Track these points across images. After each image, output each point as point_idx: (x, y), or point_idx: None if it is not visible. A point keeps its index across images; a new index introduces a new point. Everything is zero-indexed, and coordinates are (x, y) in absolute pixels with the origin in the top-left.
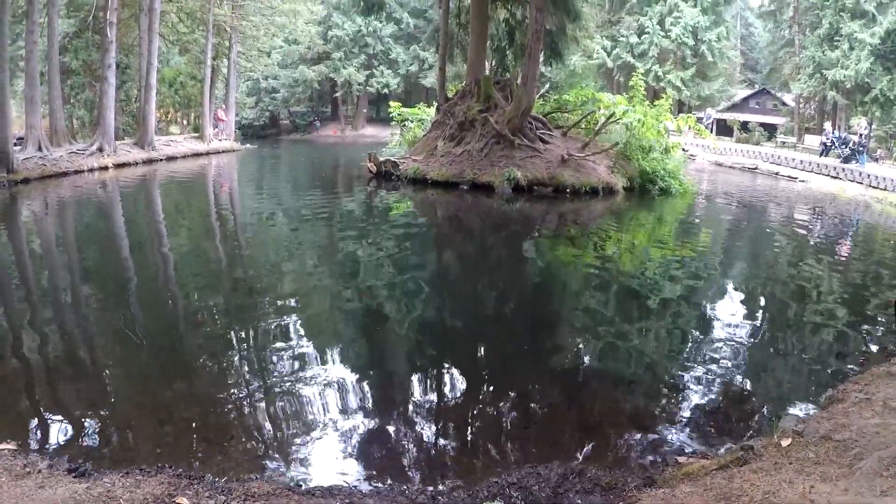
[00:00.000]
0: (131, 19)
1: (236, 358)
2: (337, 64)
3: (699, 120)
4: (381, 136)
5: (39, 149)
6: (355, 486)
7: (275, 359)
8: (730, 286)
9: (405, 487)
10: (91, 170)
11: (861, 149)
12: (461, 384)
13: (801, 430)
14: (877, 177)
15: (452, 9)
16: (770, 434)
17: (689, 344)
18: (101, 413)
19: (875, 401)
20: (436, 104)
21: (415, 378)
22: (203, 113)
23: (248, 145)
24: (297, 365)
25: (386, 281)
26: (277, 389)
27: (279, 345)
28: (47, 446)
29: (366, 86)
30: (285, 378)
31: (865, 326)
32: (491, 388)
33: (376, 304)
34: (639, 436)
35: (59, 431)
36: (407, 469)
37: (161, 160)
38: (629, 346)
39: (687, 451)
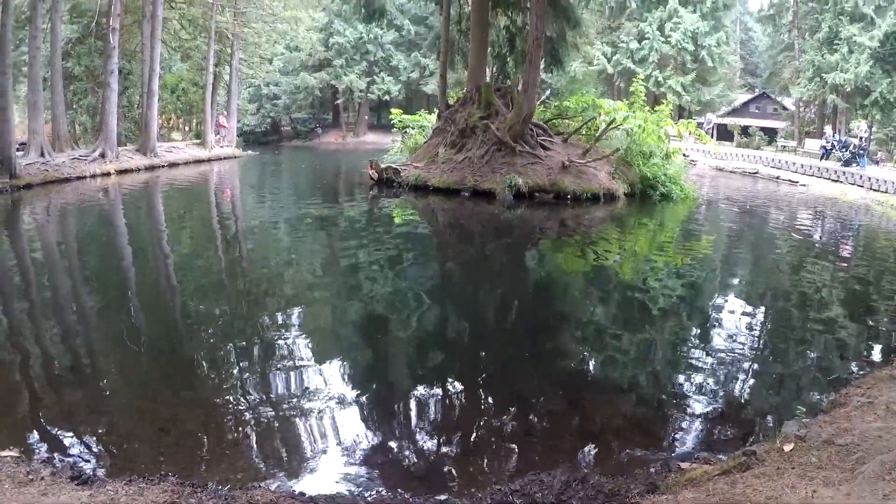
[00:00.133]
0: (134, 25)
1: (239, 366)
2: (338, 71)
3: (699, 125)
4: (383, 143)
5: (42, 154)
6: (358, 495)
7: (278, 366)
8: (732, 291)
9: (408, 496)
10: (93, 176)
11: (861, 152)
12: (463, 391)
13: (803, 435)
14: (878, 180)
15: (453, 16)
16: (772, 439)
17: (691, 349)
18: (104, 420)
19: (877, 404)
20: (437, 111)
21: (417, 386)
22: (205, 119)
23: (250, 152)
24: (299, 373)
25: (388, 288)
26: (280, 397)
27: (282, 352)
28: (50, 454)
29: (367, 93)
30: (288, 385)
31: (867, 330)
32: (493, 396)
33: (378, 312)
34: (641, 442)
35: (61, 439)
36: (410, 477)
37: (163, 166)
38: (631, 351)
39: (689, 456)
